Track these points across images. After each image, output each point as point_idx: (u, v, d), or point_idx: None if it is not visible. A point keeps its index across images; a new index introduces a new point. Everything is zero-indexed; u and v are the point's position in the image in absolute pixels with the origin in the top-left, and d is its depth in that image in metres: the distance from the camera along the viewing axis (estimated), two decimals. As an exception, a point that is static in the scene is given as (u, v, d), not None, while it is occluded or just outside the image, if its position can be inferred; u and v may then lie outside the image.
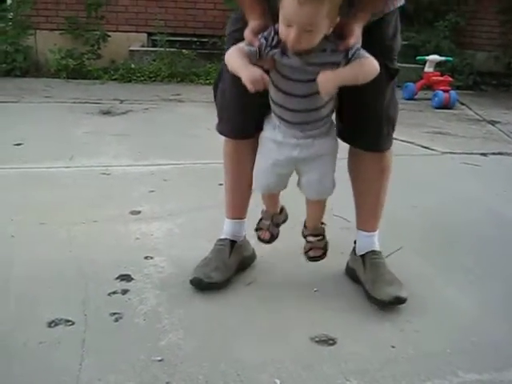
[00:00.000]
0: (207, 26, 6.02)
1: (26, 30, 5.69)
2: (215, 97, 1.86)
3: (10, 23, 5.66)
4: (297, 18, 1.40)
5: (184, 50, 5.71)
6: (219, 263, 1.89)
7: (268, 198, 1.88)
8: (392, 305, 1.77)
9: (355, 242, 1.98)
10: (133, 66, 5.67)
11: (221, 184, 2.64)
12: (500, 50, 6.39)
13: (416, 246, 2.22)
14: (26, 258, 2.00)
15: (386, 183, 1.89)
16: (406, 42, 6.13)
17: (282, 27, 1.45)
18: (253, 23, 1.54)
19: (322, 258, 1.86)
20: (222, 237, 1.99)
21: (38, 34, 5.89)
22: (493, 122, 4.61)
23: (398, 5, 1.69)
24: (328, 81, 1.47)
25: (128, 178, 2.89)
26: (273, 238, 1.92)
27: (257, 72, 1.45)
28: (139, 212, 2.45)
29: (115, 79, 5.58)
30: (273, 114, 1.65)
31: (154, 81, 5.58)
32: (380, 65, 1.53)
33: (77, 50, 5.72)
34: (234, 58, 1.52)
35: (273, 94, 1.60)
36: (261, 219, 1.93)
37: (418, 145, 3.73)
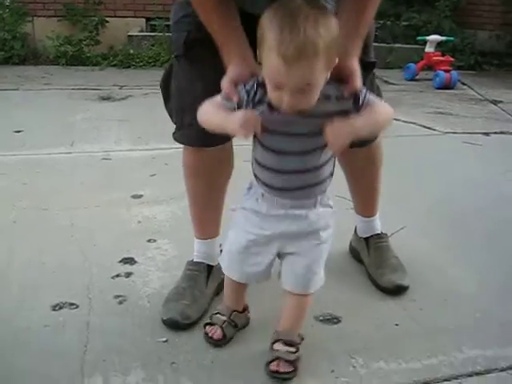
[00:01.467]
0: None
1: (23, 17, 5.64)
2: (166, 102, 1.62)
3: (7, 10, 5.61)
4: (287, 81, 1.12)
5: (183, 35, 5.66)
6: (196, 295, 1.63)
7: (233, 290, 1.50)
8: (394, 293, 1.75)
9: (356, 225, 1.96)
10: (131, 51, 5.63)
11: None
12: (501, 29, 6.33)
13: (419, 225, 2.22)
14: (29, 244, 2.00)
15: (379, 171, 1.82)
16: (406, 23, 6.09)
17: (269, 87, 1.17)
18: (231, 70, 1.28)
19: (287, 379, 1.37)
20: (196, 260, 1.72)
21: (35, 21, 5.84)
22: (495, 102, 4.58)
23: None
24: (340, 135, 1.19)
25: (129, 163, 2.88)
26: (224, 338, 1.49)
27: (242, 114, 1.19)
28: (141, 196, 2.44)
29: (114, 65, 5.54)
30: (255, 183, 1.36)
31: (154, 66, 5.54)
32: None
33: (75, 36, 5.67)
34: (213, 113, 1.26)
35: (259, 154, 1.30)
36: (216, 313, 1.52)
37: (420, 125, 3.71)
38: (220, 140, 1.48)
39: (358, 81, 1.26)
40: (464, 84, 5.23)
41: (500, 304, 1.72)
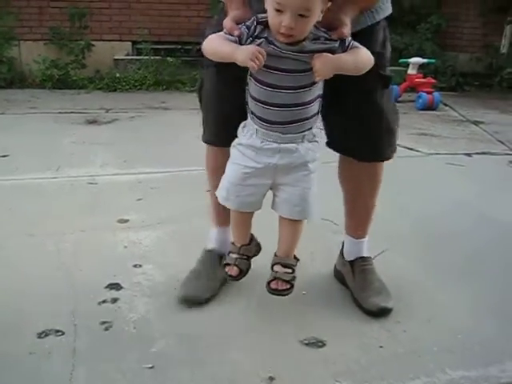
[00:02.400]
0: (191, 33, 6.03)
1: (9, 41, 5.68)
2: (201, 103, 1.80)
3: (-6, 35, 5.65)
4: (290, 2, 1.30)
5: (169, 58, 5.72)
6: (209, 277, 1.86)
7: (238, 223, 1.67)
8: (378, 315, 1.76)
9: (343, 244, 1.98)
10: (118, 74, 5.67)
11: (208, 190, 2.66)
12: (481, 51, 6.47)
13: (402, 247, 2.24)
14: (15, 270, 2.00)
15: (378, 190, 1.85)
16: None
17: (271, 13, 1.35)
18: (233, 12, 1.45)
19: (286, 294, 1.61)
20: (209, 247, 1.95)
21: (22, 45, 5.88)
22: (476, 123, 4.67)
23: (383, 16, 1.63)
24: (326, 63, 1.37)
25: (115, 187, 2.89)
26: (241, 273, 1.68)
27: (251, 47, 1.36)
28: (127, 220, 2.45)
29: (100, 88, 5.58)
30: (249, 119, 1.52)
31: (140, 89, 5.59)
32: (373, 73, 1.50)
33: (61, 60, 5.72)
34: (220, 44, 1.42)
35: (253, 89, 1.47)
36: (228, 253, 1.71)
37: (403, 146, 3.75)
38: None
39: (346, 29, 1.41)
40: (446, 105, 5.32)
41: (482, 324, 1.75)
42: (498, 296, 1.92)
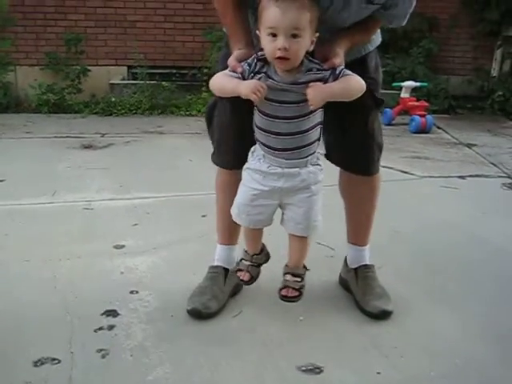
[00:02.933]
0: (186, 57, 6.09)
1: (5, 66, 5.71)
2: (209, 128, 1.92)
3: (-10, 60, 5.69)
4: (281, 24, 1.43)
5: (164, 82, 5.75)
6: (216, 291, 1.94)
7: (249, 237, 1.81)
8: (379, 317, 1.88)
9: (346, 256, 2.10)
10: (113, 99, 5.70)
11: (203, 215, 2.69)
12: (473, 74, 6.55)
13: (397, 269, 2.25)
14: (10, 296, 1.99)
15: (376, 201, 2.01)
16: (382, 69, 6.26)
17: (266, 42, 1.48)
18: (237, 51, 1.61)
19: (295, 301, 1.75)
20: (215, 264, 2.03)
21: (18, 70, 5.91)
22: (469, 145, 4.71)
23: (375, 46, 1.82)
24: (318, 92, 1.50)
25: (111, 212, 2.89)
26: (252, 279, 1.83)
27: (253, 81, 1.51)
28: (123, 246, 2.45)
29: (96, 113, 5.60)
30: (257, 145, 1.66)
31: (135, 113, 5.61)
32: (368, 95, 1.65)
33: (57, 84, 5.74)
34: (225, 81, 1.58)
35: (257, 119, 1.61)
36: (241, 260, 1.86)
37: (397, 170, 3.79)
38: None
39: (337, 60, 1.54)
40: (439, 128, 5.37)
41: (480, 350, 1.75)
42: (494, 320, 1.93)
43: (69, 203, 3.00)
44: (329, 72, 1.53)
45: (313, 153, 1.63)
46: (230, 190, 1.87)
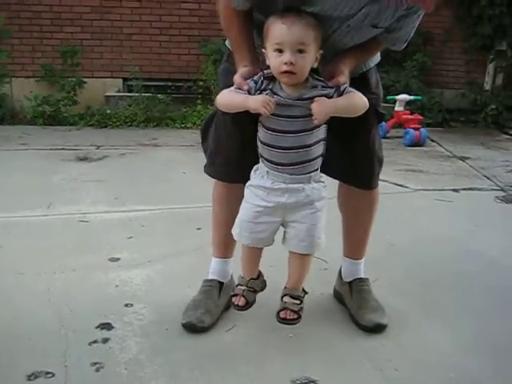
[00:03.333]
0: (182, 70, 6.12)
1: (1, 78, 5.72)
2: (203, 141, 1.93)
3: (-14, 72, 5.69)
4: (287, 39, 1.48)
5: (159, 95, 5.77)
6: (210, 305, 1.93)
7: (248, 258, 1.79)
8: (374, 331, 1.89)
9: (341, 268, 2.10)
10: (109, 111, 5.71)
11: (198, 228, 2.69)
12: (466, 87, 6.61)
13: (391, 282, 2.26)
14: (5, 309, 1.99)
15: (374, 215, 2.03)
16: (376, 82, 6.30)
17: (272, 57, 1.52)
18: (242, 69, 1.63)
19: (294, 324, 1.72)
20: (210, 277, 2.02)
21: (13, 82, 5.92)
22: (463, 158, 4.74)
23: (376, 62, 1.87)
24: (322, 107, 1.53)
25: (106, 225, 2.90)
26: (247, 304, 1.77)
27: (261, 96, 1.54)
28: (118, 259, 2.45)
29: (91, 125, 5.60)
30: (261, 163, 1.67)
31: (130, 126, 5.63)
32: (371, 110, 1.69)
33: (53, 96, 5.74)
34: (232, 96, 1.60)
35: (262, 134, 1.63)
36: (237, 285, 1.82)
37: (392, 183, 3.81)
38: (243, 179, 1.74)
39: (342, 77, 1.58)
40: (433, 141, 5.40)
41: (473, 363, 1.76)
42: (487, 333, 1.94)
43: (64, 215, 3.00)
44: (333, 89, 1.57)
45: (316, 169, 1.66)
46: (226, 202, 1.91)
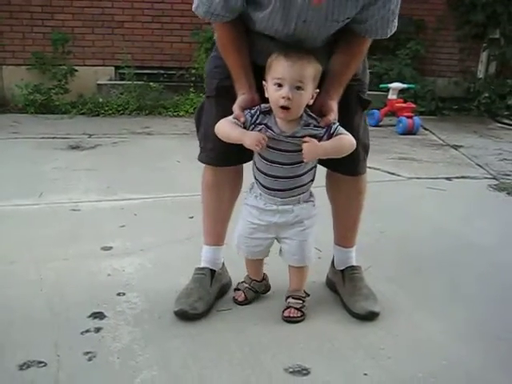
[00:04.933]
0: (174, 58, 6.08)
1: (-9, 66, 5.68)
2: (198, 129, 1.96)
3: (-24, 60, 5.64)
4: (288, 75, 1.59)
5: (151, 83, 5.75)
6: (202, 293, 1.93)
7: (250, 265, 1.98)
8: (366, 318, 1.89)
9: (333, 257, 2.11)
10: (101, 99, 5.68)
11: (191, 217, 2.69)
12: (459, 75, 6.61)
13: (383, 270, 2.27)
14: (-4, 299, 1.98)
15: (363, 202, 2.03)
16: (369, 70, 6.28)
17: (271, 90, 1.63)
18: (240, 98, 1.72)
19: (299, 321, 1.87)
20: (202, 265, 2.03)
21: (4, 70, 5.88)
22: (456, 147, 4.75)
23: None
24: (313, 149, 1.66)
25: (98, 214, 2.88)
26: (246, 300, 1.97)
27: (255, 134, 1.66)
28: (110, 248, 2.44)
29: (83, 113, 5.57)
30: (255, 184, 1.81)
31: (123, 114, 5.60)
32: (354, 95, 1.80)
33: (44, 84, 5.71)
34: (230, 129, 1.70)
35: (257, 162, 1.76)
36: (241, 282, 2.01)
37: (384, 171, 3.81)
38: (233, 162, 1.89)
39: (332, 116, 1.69)
40: (426, 129, 5.41)
41: (466, 350, 1.76)
42: (479, 321, 1.94)
43: (56, 204, 2.98)
44: (324, 130, 1.68)
45: (304, 192, 1.79)
46: (215, 188, 1.95)
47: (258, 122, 1.69)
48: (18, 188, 3.22)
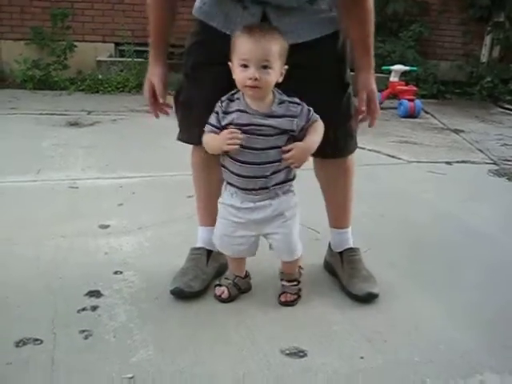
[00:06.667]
0: (174, 36, 6.00)
1: (-11, 41, 5.61)
2: (176, 110, 1.92)
3: (-27, 33, 5.57)
4: (253, 54, 1.53)
5: (152, 60, 5.68)
6: (197, 272, 1.93)
7: (232, 260, 1.90)
8: (365, 300, 1.88)
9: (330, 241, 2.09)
10: (100, 76, 5.62)
11: (189, 196, 2.66)
12: (462, 59, 6.56)
13: (382, 254, 2.26)
14: (-7, 276, 1.97)
15: (352, 181, 1.99)
16: (373, 52, 6.22)
17: (237, 71, 1.56)
18: (160, 71, 1.81)
19: (294, 304, 1.87)
20: (198, 245, 2.02)
21: (2, 44, 5.81)
22: (457, 131, 4.72)
23: (338, 27, 1.76)
24: (301, 153, 1.63)
25: (96, 192, 2.86)
26: (230, 297, 1.87)
27: (224, 133, 1.61)
28: (108, 226, 2.43)
29: (82, 90, 5.52)
30: (229, 185, 1.74)
31: (122, 91, 5.55)
32: (333, 76, 1.76)
33: (43, 60, 5.65)
34: (212, 141, 1.66)
35: (228, 164, 1.69)
36: (224, 277, 1.92)
37: (385, 154, 3.79)
38: None
39: (362, 106, 1.81)
40: (427, 113, 5.37)
41: (463, 335, 1.76)
42: (479, 306, 1.94)
43: (53, 182, 2.96)
44: (300, 107, 1.63)
45: (280, 187, 1.71)
46: (205, 169, 1.91)
47: (228, 111, 1.63)
48: (16, 164, 3.20)
